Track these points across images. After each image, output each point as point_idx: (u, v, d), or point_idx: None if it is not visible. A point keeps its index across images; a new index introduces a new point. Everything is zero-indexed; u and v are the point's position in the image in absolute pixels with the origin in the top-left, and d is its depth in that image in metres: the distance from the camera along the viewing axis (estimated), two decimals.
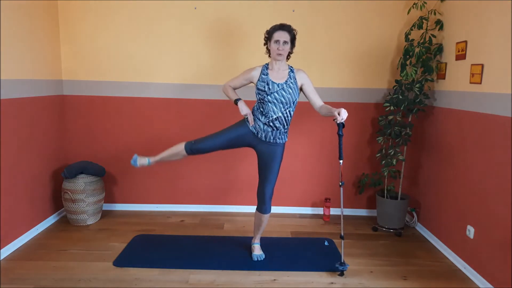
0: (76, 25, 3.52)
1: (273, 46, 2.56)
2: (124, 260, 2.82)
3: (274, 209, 3.75)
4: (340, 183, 2.69)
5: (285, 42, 2.55)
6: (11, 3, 2.84)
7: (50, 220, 3.48)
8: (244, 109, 2.65)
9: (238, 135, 2.69)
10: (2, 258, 2.81)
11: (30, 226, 3.17)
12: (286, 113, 2.60)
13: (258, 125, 2.63)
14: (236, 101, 2.69)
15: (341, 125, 2.53)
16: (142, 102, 3.67)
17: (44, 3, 3.27)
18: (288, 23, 2.61)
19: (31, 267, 2.70)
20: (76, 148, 3.72)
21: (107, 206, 3.82)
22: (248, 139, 2.69)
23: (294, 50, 2.68)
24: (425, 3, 3.24)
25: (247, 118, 2.66)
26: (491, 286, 2.51)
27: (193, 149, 2.70)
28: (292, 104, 2.61)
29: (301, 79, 2.64)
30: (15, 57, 2.91)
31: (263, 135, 2.64)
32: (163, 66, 3.60)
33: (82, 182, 3.36)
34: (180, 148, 2.74)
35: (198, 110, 3.69)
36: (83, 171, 3.41)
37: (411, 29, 3.30)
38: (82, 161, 3.52)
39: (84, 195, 3.36)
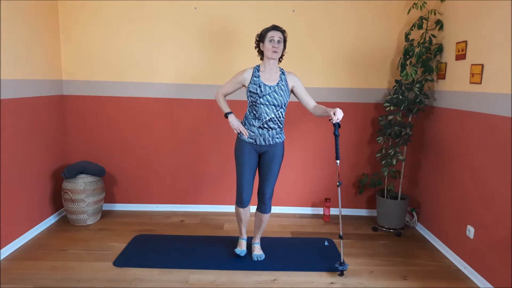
0: (76, 25, 3.52)
1: (267, 45, 2.54)
2: (124, 260, 2.82)
3: (274, 209, 3.75)
4: (338, 183, 2.70)
5: (279, 41, 2.54)
6: (11, 3, 2.84)
7: (50, 220, 3.48)
8: (234, 123, 2.66)
9: (248, 156, 2.67)
10: (2, 258, 2.81)
11: (30, 226, 3.17)
12: (278, 114, 2.60)
13: (253, 132, 2.62)
14: (226, 115, 2.69)
15: (337, 125, 2.53)
16: (142, 102, 3.67)
17: (44, 3, 3.27)
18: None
19: (31, 267, 2.70)
20: (76, 148, 3.73)
21: (107, 206, 3.82)
22: (253, 150, 2.68)
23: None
24: (425, 3, 3.23)
25: (239, 133, 2.67)
26: (491, 286, 2.51)
27: (243, 202, 2.75)
28: (283, 106, 2.61)
29: (292, 81, 2.64)
30: (15, 57, 2.91)
31: (261, 140, 2.63)
32: (163, 66, 3.60)
33: (82, 182, 3.36)
34: (239, 210, 2.80)
35: (198, 109, 3.69)
36: (83, 171, 3.41)
37: (411, 29, 3.29)
38: (82, 161, 3.52)
39: (84, 195, 3.36)
